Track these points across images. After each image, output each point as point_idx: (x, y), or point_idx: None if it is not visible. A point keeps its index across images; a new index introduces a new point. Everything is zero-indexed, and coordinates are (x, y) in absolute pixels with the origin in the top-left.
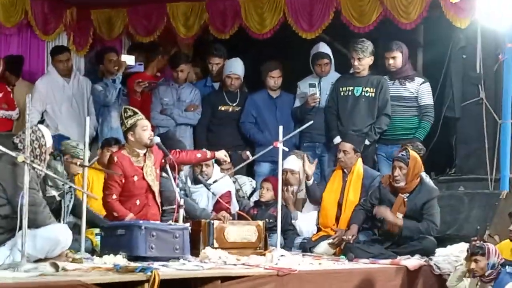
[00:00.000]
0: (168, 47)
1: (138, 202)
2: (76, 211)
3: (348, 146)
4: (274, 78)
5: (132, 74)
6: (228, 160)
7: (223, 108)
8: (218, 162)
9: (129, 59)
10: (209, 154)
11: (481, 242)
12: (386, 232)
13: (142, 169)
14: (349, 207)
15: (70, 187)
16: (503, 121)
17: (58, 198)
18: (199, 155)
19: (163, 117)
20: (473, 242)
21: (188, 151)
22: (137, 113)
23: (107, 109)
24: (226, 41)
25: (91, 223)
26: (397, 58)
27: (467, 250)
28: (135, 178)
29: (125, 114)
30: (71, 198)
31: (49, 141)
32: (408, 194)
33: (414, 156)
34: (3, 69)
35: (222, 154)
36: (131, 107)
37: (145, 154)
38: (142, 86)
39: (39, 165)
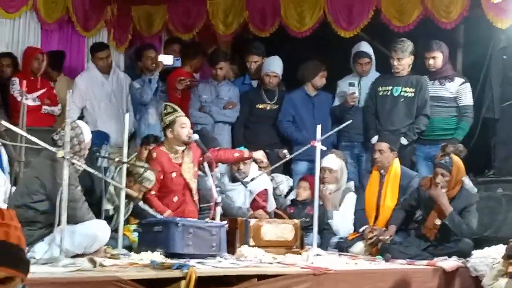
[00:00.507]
0: (207, 45)
1: (175, 198)
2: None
3: (384, 146)
4: (323, 78)
5: (171, 70)
6: (266, 160)
7: (261, 106)
8: (256, 160)
9: (166, 59)
10: (246, 153)
11: None
12: (422, 235)
13: (180, 165)
14: (387, 208)
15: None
16: None
17: (111, 212)
18: (236, 154)
19: (202, 115)
20: (510, 244)
21: (226, 150)
22: (176, 110)
23: (144, 106)
24: (264, 39)
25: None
26: (437, 58)
27: (506, 250)
28: (173, 174)
29: (165, 110)
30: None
31: (87, 137)
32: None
33: (457, 162)
34: (46, 64)
35: (259, 155)
36: (171, 104)
37: (183, 151)
38: (183, 84)
39: (78, 161)
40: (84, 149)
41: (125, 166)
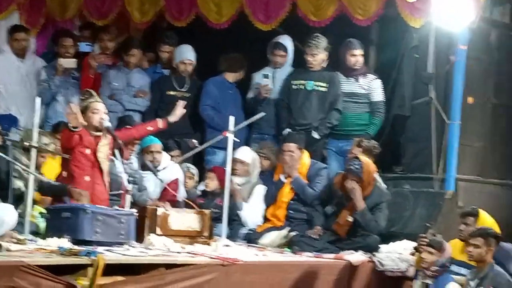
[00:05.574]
0: (120, 32)
1: (87, 178)
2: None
3: (292, 146)
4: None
5: (86, 54)
6: (184, 102)
7: (172, 93)
8: (167, 149)
9: (67, 63)
10: (160, 123)
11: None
12: (332, 231)
13: (96, 145)
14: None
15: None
16: (452, 122)
17: (23, 189)
18: (149, 127)
19: (112, 102)
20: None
21: (137, 126)
22: (92, 96)
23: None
24: (178, 28)
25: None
26: (359, 56)
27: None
28: (87, 151)
29: (82, 97)
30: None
31: None
32: None
33: (367, 164)
34: None
35: (176, 116)
36: (89, 90)
37: (101, 136)
38: (97, 59)
39: None
40: None
41: (34, 150)
